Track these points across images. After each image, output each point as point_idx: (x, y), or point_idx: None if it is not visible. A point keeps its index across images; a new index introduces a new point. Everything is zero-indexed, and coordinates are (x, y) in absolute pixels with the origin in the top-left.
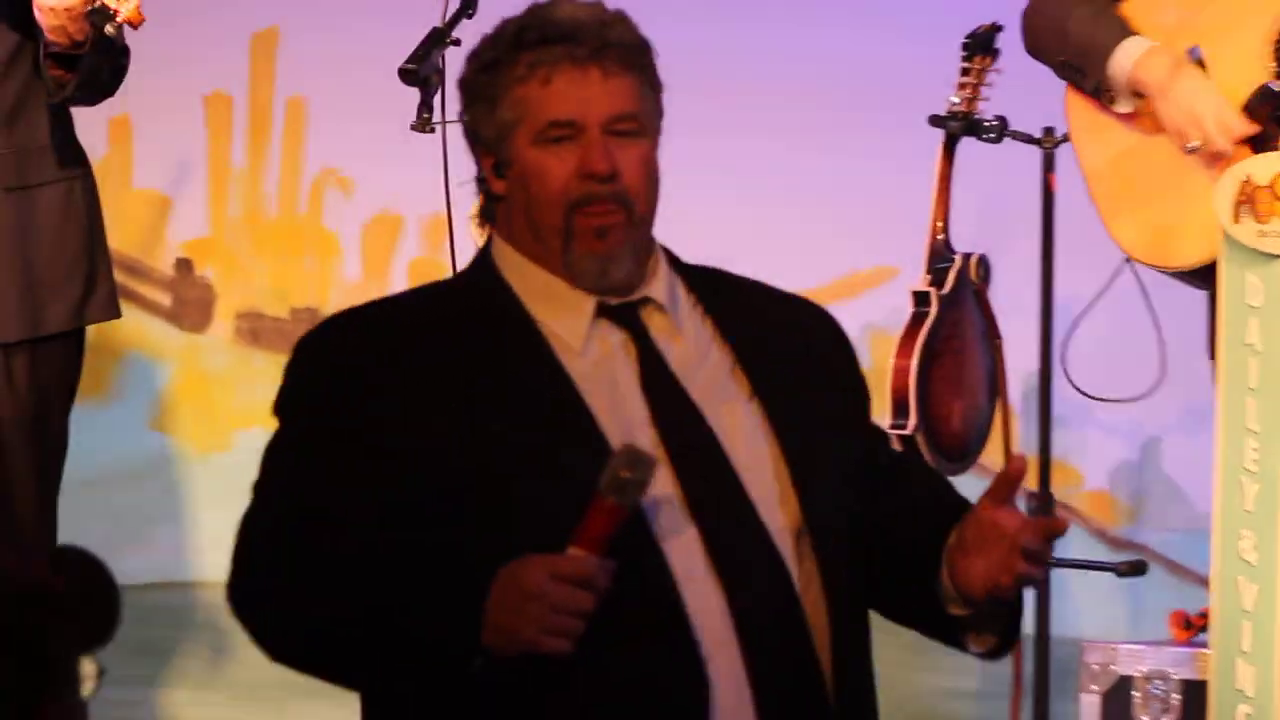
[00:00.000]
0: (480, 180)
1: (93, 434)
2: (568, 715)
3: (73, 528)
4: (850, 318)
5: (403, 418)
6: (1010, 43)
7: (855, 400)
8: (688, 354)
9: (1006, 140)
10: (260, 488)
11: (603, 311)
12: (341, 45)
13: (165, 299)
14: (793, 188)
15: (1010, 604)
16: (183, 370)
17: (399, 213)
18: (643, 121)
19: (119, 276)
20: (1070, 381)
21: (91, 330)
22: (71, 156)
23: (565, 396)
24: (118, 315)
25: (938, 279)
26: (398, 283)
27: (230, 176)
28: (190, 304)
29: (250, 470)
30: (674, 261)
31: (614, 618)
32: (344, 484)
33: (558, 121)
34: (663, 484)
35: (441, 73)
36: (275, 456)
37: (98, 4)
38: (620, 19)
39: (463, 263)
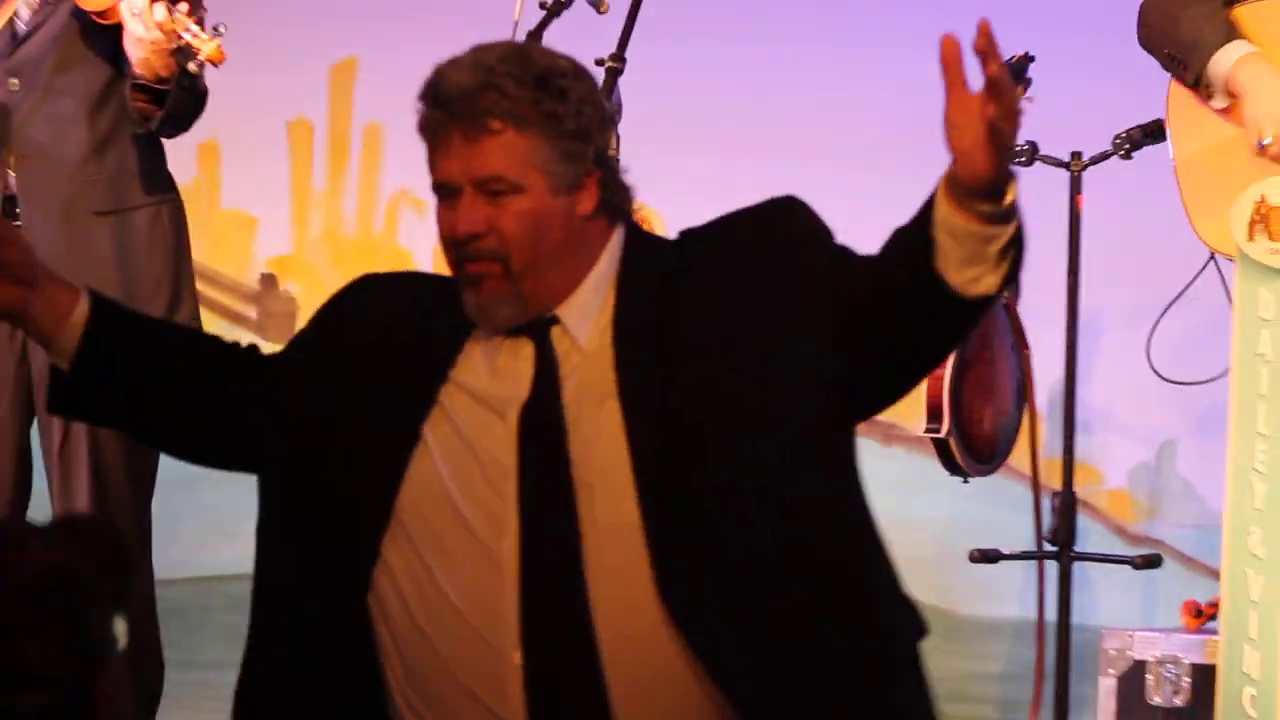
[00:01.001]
0: None
1: None
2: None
3: (167, 524)
4: None
5: (336, 359)
6: (1039, 72)
7: (803, 285)
8: (579, 364)
9: (1037, 164)
10: None
11: (518, 330)
12: (416, 74)
13: (251, 311)
14: (835, 208)
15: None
16: None
17: None
18: (516, 179)
19: (210, 291)
20: (1153, 368)
21: None
22: (161, 183)
23: (428, 396)
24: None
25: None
26: None
27: (311, 198)
28: (275, 316)
29: None
30: (629, 258)
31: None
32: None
33: (438, 184)
34: (506, 486)
35: None
36: None
37: (183, 43)
38: (505, 80)
39: None
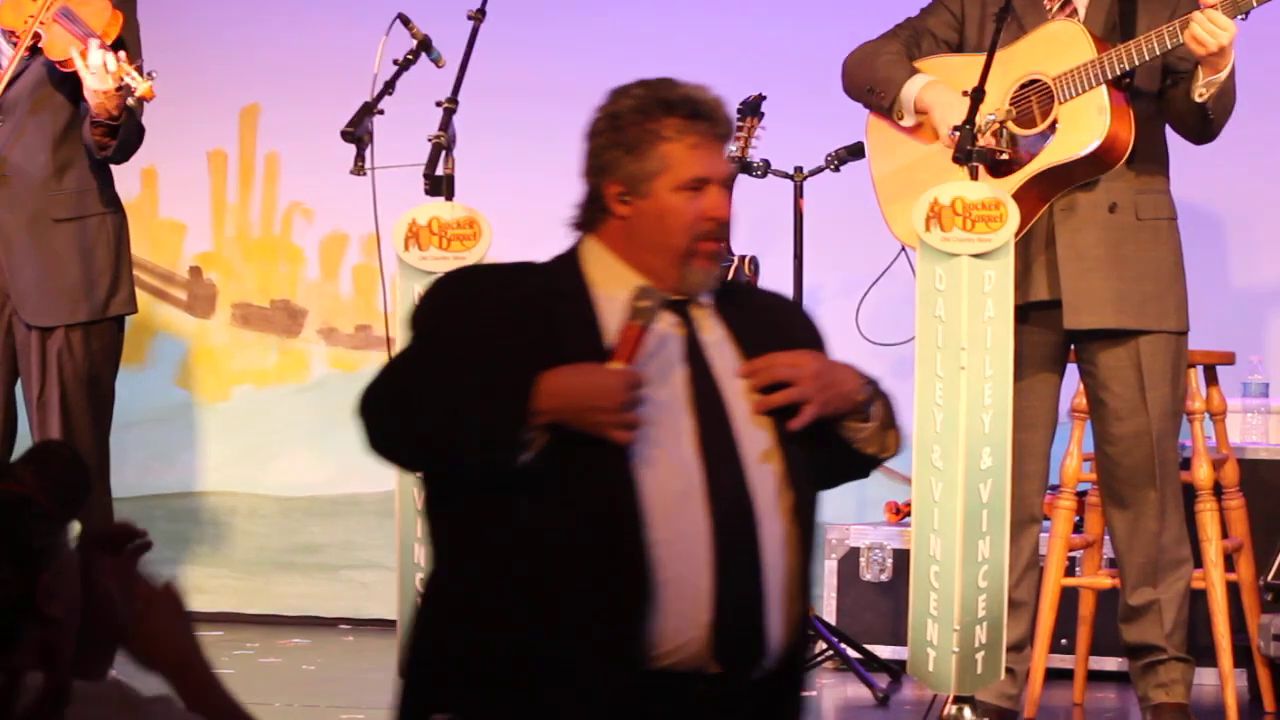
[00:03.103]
0: (594, 197)
1: (134, 390)
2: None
3: (122, 455)
4: None
5: (484, 329)
6: (770, 106)
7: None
8: (714, 337)
9: (769, 176)
10: (396, 356)
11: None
12: (303, 115)
13: (183, 295)
14: None
15: None
16: (196, 344)
17: (345, 232)
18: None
19: (150, 279)
20: (861, 333)
21: (134, 320)
22: (108, 197)
23: (592, 338)
24: (135, 311)
25: (723, 273)
26: (345, 282)
27: (227, 208)
28: (200, 298)
29: (242, 415)
30: None
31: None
32: (443, 356)
33: (700, 177)
34: (685, 422)
35: (371, 133)
36: (412, 339)
37: (123, 83)
38: (724, 102)
39: (389, 267)
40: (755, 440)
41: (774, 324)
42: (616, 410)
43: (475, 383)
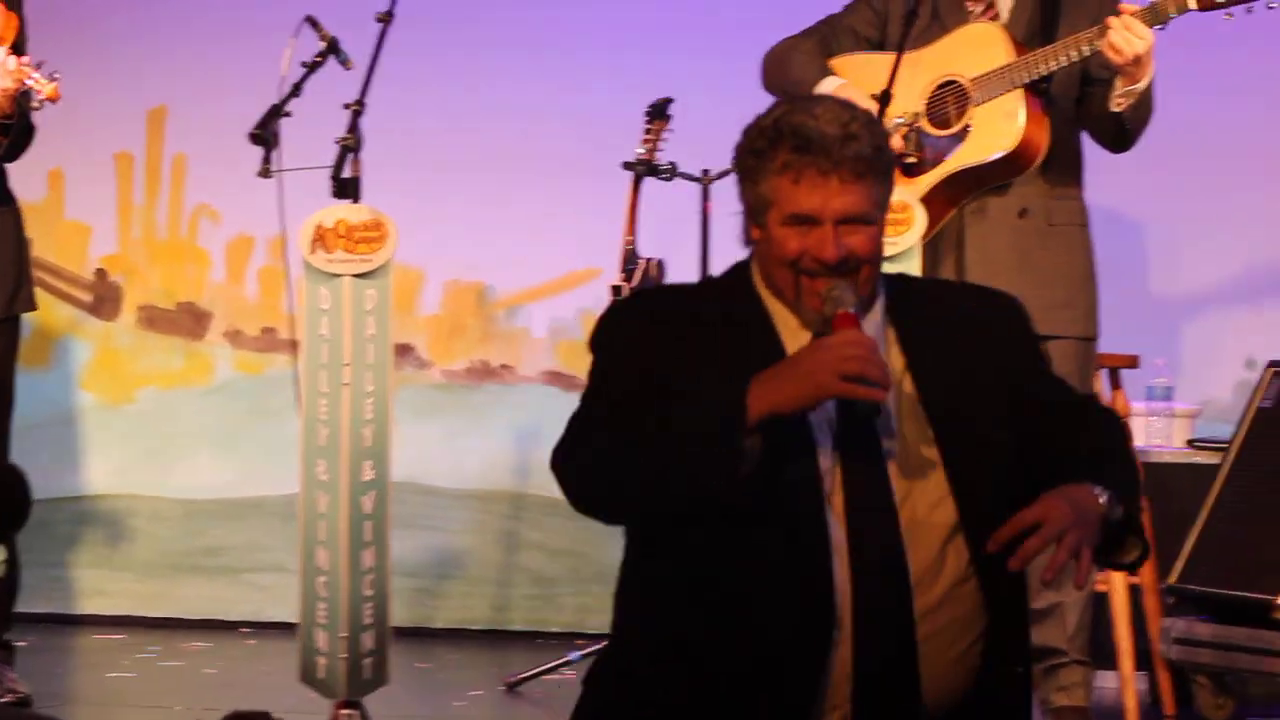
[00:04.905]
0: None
1: (39, 392)
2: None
3: (25, 457)
4: (569, 304)
5: (679, 363)
6: (678, 109)
7: (1025, 363)
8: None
9: (676, 179)
10: (587, 403)
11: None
12: (210, 117)
13: (88, 297)
14: (532, 213)
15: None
16: (101, 347)
17: (252, 235)
18: (871, 213)
19: (56, 282)
20: None
21: (37, 319)
22: (4, 195)
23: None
24: (35, 308)
25: (629, 275)
26: (251, 285)
27: (133, 211)
28: (106, 300)
29: (146, 417)
30: (884, 279)
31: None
32: (637, 395)
33: (800, 214)
34: (831, 483)
35: (278, 136)
36: (598, 380)
37: (26, 86)
38: (862, 132)
39: (295, 270)
40: (922, 486)
41: (958, 325)
42: (857, 360)
43: (682, 410)
